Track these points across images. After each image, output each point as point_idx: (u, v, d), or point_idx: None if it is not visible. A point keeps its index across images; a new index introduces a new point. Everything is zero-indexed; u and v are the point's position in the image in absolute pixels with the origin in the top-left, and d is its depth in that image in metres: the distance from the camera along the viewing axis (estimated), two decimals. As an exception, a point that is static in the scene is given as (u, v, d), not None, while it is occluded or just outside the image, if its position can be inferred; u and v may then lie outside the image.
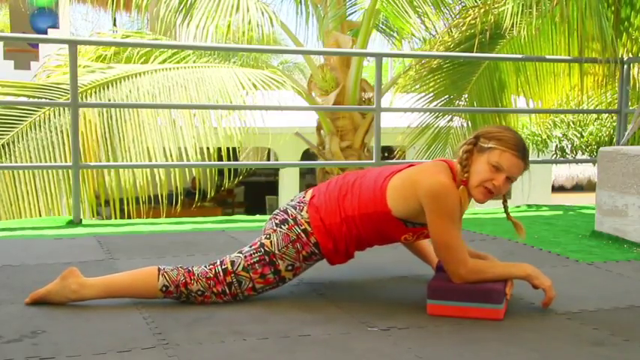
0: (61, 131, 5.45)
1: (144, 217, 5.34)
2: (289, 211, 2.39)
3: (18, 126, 5.44)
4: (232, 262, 2.33)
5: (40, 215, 5.15)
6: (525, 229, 2.42)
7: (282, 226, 2.36)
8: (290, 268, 2.36)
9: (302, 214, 2.37)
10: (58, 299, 2.29)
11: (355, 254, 2.47)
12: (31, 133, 5.43)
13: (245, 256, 2.34)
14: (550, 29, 6.42)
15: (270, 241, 2.35)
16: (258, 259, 2.33)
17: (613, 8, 5.46)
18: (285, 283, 2.40)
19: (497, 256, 2.54)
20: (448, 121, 7.06)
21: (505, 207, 2.46)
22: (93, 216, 5.53)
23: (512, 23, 5.26)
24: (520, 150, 2.27)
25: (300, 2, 7.34)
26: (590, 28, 4.98)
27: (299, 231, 2.34)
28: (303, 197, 2.44)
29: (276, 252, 2.33)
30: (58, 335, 2.01)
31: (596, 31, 4.93)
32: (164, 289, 2.30)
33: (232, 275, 2.32)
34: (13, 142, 5.38)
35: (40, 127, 5.47)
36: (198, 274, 2.32)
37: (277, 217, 2.41)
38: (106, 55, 7.01)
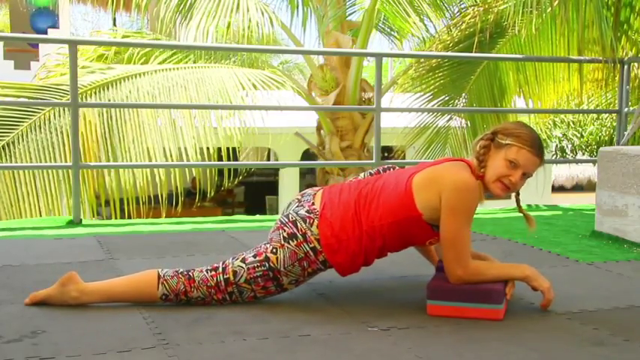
0: (61, 132, 5.45)
1: (144, 217, 5.34)
2: (299, 225, 2.29)
3: (18, 127, 5.44)
4: (235, 273, 2.29)
5: (41, 216, 5.15)
6: (536, 223, 2.43)
7: (290, 242, 2.28)
8: (293, 282, 2.33)
9: (312, 229, 2.28)
10: (58, 304, 2.28)
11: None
12: (31, 134, 5.43)
13: (248, 268, 2.28)
14: (550, 30, 6.42)
15: (277, 257, 2.27)
16: (261, 273, 2.28)
17: (613, 10, 5.46)
18: (286, 292, 2.38)
19: (497, 257, 2.55)
20: (447, 121, 7.06)
21: (517, 200, 2.47)
22: (93, 216, 5.54)
23: (513, 22, 5.27)
24: (537, 147, 2.29)
25: (297, 4, 7.34)
26: (590, 29, 4.98)
27: (307, 249, 2.27)
28: (312, 204, 2.34)
29: (282, 269, 2.28)
30: (58, 335, 2.01)
31: (596, 33, 4.93)
32: (164, 297, 2.29)
33: (234, 286, 2.29)
34: (14, 143, 5.38)
35: (40, 128, 5.47)
36: (198, 281, 2.28)
37: (285, 228, 2.31)
38: (108, 55, 7.03)
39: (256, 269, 2.28)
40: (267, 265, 2.28)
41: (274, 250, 2.29)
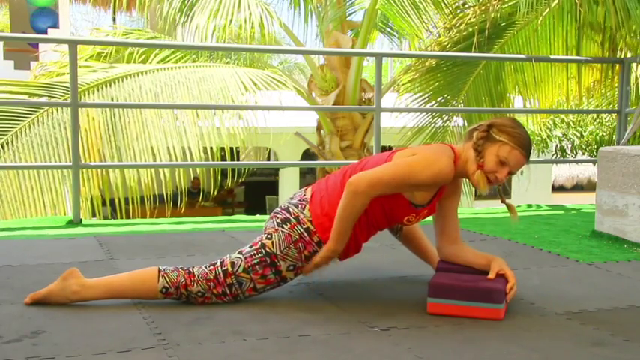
0: (64, 128, 5.46)
1: (145, 217, 5.34)
2: (291, 210, 2.37)
3: (21, 122, 5.45)
4: (232, 264, 2.32)
5: (45, 210, 5.17)
6: (517, 212, 2.44)
7: (284, 226, 2.34)
8: (291, 268, 2.35)
9: (304, 212, 2.35)
10: (59, 300, 2.28)
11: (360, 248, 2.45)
12: (35, 129, 5.44)
13: (245, 257, 2.32)
14: (547, 31, 6.42)
15: (272, 242, 2.32)
16: (258, 260, 2.31)
17: None
18: (286, 282, 2.40)
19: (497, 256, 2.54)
20: (445, 122, 7.04)
21: (499, 190, 2.46)
22: (94, 216, 5.54)
23: (522, 14, 5.23)
24: (528, 150, 2.31)
25: (299, 3, 7.34)
26: (611, 16, 4.93)
27: (301, 230, 2.32)
28: (304, 195, 2.42)
29: (278, 253, 2.31)
30: (58, 335, 2.01)
31: (622, 17, 4.88)
32: (164, 290, 2.30)
33: (233, 277, 2.31)
34: (16, 139, 5.38)
35: (43, 123, 5.48)
36: (198, 276, 2.31)
37: (278, 215, 2.38)
38: (107, 52, 7.03)
39: (253, 257, 2.32)
40: (263, 251, 2.32)
41: (269, 236, 2.34)
